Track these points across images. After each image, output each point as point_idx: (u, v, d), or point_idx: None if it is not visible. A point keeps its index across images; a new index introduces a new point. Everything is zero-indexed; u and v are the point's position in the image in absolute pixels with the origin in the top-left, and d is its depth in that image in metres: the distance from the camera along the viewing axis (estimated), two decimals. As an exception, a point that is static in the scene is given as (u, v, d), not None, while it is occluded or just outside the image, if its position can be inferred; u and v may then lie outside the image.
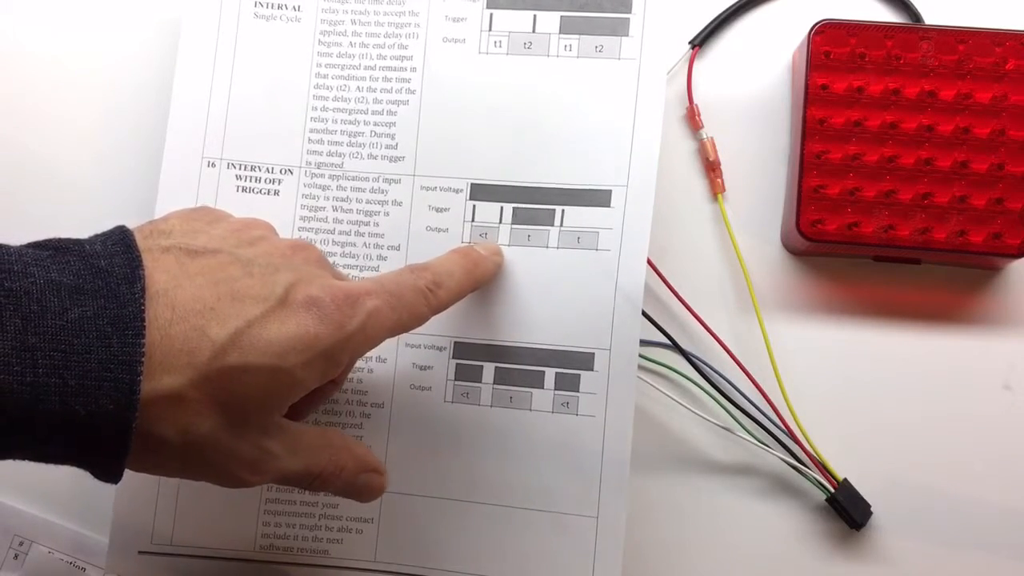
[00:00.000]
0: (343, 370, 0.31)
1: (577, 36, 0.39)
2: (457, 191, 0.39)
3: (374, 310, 0.30)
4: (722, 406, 0.40)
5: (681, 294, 0.41)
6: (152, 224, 0.30)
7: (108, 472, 0.26)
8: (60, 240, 0.27)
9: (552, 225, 0.39)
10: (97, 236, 0.28)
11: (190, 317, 0.26)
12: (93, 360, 0.24)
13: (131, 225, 0.29)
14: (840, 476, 0.40)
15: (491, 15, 0.40)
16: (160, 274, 0.27)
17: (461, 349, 0.39)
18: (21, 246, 0.26)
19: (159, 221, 0.30)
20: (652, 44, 0.39)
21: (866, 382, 0.41)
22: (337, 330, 0.29)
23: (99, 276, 0.25)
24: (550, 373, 0.38)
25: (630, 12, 0.39)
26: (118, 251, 0.27)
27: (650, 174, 0.38)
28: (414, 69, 0.40)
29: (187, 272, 0.28)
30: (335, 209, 0.40)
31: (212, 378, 0.26)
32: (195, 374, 0.26)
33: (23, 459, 0.26)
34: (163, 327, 0.26)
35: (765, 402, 0.40)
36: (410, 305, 0.32)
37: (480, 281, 0.37)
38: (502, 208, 0.39)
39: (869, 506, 0.40)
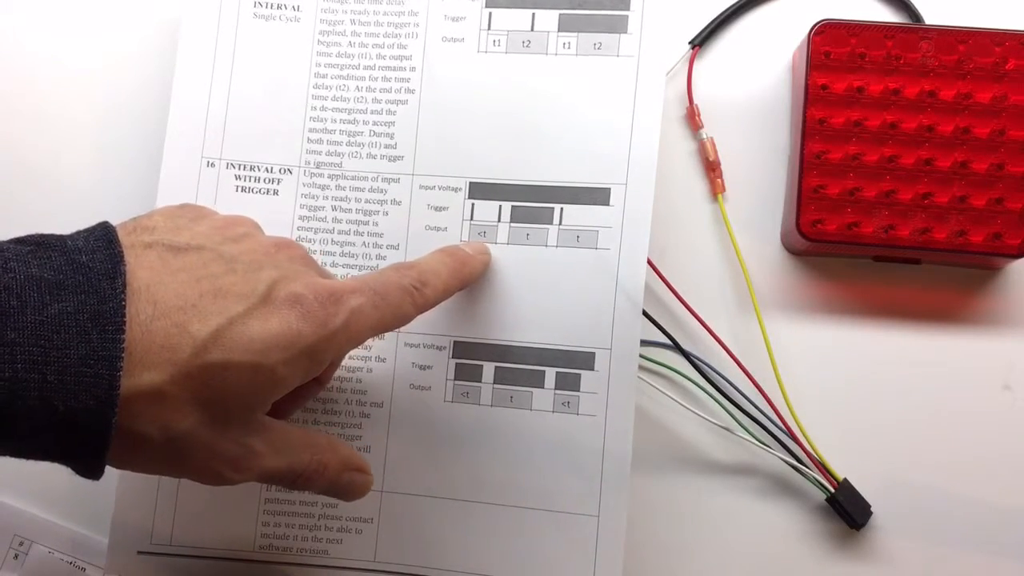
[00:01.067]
0: (327, 368, 0.31)
1: (576, 34, 0.39)
2: (456, 190, 0.39)
3: (357, 308, 0.30)
4: (722, 406, 0.40)
5: (681, 294, 0.41)
6: (136, 220, 0.30)
7: (89, 469, 0.26)
8: (42, 236, 0.27)
9: (551, 223, 0.39)
10: (80, 232, 0.28)
11: (172, 313, 0.26)
12: (73, 356, 0.24)
13: None
14: (840, 476, 0.40)
15: (490, 14, 0.40)
16: (142, 270, 0.27)
17: (461, 348, 0.39)
18: (2, 241, 0.26)
19: (143, 218, 0.30)
20: (651, 41, 0.39)
21: (866, 382, 0.41)
22: (320, 328, 0.28)
23: (80, 272, 0.25)
24: (550, 372, 0.38)
25: (628, 9, 0.39)
26: (100, 247, 0.26)
27: (649, 171, 0.38)
28: (413, 68, 0.40)
29: (169, 268, 0.27)
30: (334, 209, 0.40)
31: (193, 375, 0.26)
32: (176, 371, 0.26)
33: (3, 455, 0.25)
34: (144, 323, 0.26)
35: (765, 402, 0.40)
36: (395, 304, 0.32)
37: (467, 280, 0.37)
38: (501, 207, 0.39)
39: (869, 506, 0.40)
